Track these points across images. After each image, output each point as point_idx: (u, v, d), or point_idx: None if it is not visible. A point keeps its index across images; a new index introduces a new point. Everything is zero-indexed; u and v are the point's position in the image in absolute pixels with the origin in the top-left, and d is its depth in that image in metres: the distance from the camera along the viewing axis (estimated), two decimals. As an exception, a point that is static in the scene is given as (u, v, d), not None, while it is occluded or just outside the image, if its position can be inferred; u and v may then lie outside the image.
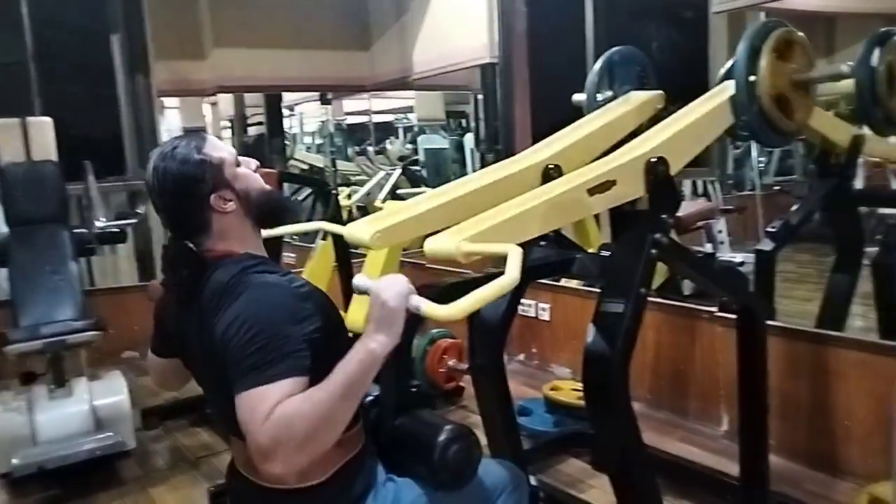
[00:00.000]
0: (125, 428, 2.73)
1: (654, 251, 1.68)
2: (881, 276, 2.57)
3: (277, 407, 1.08)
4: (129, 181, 4.35)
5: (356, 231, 1.48)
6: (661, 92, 2.22)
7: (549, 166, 1.85)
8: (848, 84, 2.30)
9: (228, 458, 1.43)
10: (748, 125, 1.90)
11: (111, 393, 2.79)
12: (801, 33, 1.94)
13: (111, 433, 2.66)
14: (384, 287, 1.17)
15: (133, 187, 4.34)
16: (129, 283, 4.41)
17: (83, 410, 2.68)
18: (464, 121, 8.02)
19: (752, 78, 1.84)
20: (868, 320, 2.89)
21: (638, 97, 2.20)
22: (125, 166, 4.42)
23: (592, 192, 1.58)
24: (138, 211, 3.99)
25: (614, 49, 2.42)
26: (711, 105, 1.89)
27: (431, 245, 1.40)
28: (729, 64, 1.99)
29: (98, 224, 3.28)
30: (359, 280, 1.21)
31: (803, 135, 2.07)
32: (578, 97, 2.41)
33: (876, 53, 2.24)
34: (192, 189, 1.30)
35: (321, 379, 1.15)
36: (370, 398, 1.52)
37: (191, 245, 1.31)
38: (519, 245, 1.24)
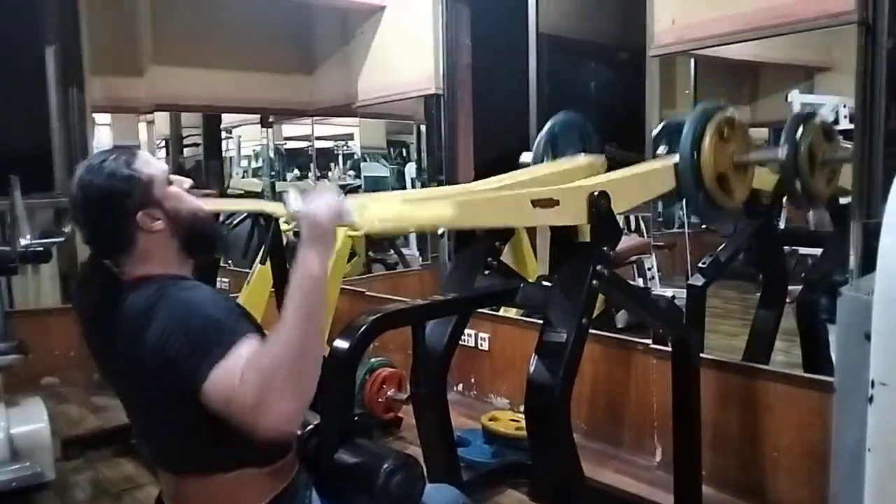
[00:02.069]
0: (44, 458, 2.58)
1: (595, 282, 1.72)
2: (804, 312, 2.70)
3: (246, 364, 1.07)
4: (57, 198, 4.16)
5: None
6: (604, 157, 2.33)
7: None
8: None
9: (154, 492, 1.37)
10: (691, 198, 2.02)
11: (30, 420, 2.64)
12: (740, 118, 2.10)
13: (29, 463, 2.52)
14: (314, 206, 1.15)
15: (60, 204, 4.13)
16: (51, 304, 4.19)
17: (0, 438, 2.54)
18: (404, 150, 8.06)
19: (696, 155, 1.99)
20: (790, 355, 3.02)
21: (585, 159, 2.32)
22: (54, 182, 4.24)
23: (536, 203, 1.63)
24: (64, 230, 3.81)
25: (555, 120, 2.50)
26: (658, 165, 2.04)
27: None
28: (659, 128, 2.15)
29: (22, 242, 3.13)
30: (291, 200, 1.16)
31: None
32: (525, 159, 2.48)
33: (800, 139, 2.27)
34: (118, 205, 1.26)
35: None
36: (310, 427, 1.49)
37: (108, 264, 1.28)
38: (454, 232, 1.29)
